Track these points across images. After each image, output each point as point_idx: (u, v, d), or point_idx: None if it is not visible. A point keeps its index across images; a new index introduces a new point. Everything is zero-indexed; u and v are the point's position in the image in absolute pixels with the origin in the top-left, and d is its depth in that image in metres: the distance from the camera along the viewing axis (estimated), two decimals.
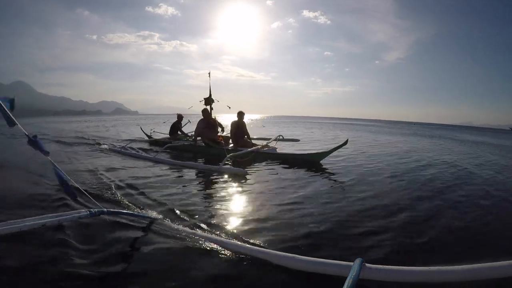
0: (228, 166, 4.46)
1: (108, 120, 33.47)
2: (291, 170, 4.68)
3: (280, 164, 5.11)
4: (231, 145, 6.13)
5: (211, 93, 6.86)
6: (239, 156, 4.96)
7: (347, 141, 5.08)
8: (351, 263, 1.32)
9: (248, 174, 4.21)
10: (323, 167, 5.00)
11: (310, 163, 5.14)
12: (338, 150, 5.30)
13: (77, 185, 2.46)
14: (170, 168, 4.72)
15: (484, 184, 4.20)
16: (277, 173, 4.47)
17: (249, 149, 5.27)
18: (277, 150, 5.66)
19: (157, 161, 5.30)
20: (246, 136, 6.19)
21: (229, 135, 6.40)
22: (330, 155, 5.35)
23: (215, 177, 4.13)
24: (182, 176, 4.22)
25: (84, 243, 1.93)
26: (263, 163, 5.18)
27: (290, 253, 1.73)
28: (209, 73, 6.94)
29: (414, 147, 9.47)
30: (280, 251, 1.77)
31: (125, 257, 1.82)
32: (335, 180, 4.12)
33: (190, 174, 4.39)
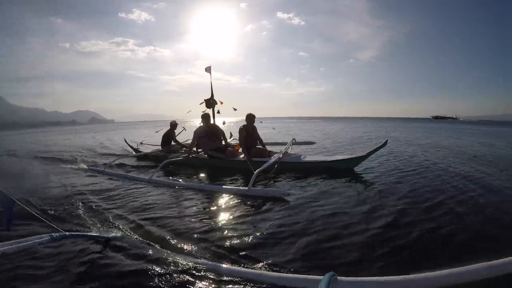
0: (261, 187, 3.45)
1: (84, 131, 31.08)
2: (321, 180, 3.87)
3: (307, 174, 4.21)
4: (241, 155, 5.06)
5: (213, 93, 5.75)
6: (263, 170, 3.90)
7: (386, 141, 4.24)
8: (322, 277, 1.21)
9: (290, 195, 3.15)
10: (359, 173, 4.23)
11: (343, 170, 4.33)
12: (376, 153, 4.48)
13: (31, 211, 2.29)
14: (173, 192, 3.63)
15: None
16: (312, 191, 3.48)
17: (272, 160, 4.30)
18: (302, 157, 4.72)
19: (152, 183, 4.09)
20: (259, 142, 5.23)
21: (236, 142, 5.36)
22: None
23: (236, 200, 3.16)
24: (191, 201, 3.21)
25: (46, 269, 1.79)
26: (287, 175, 4.22)
27: None
28: (209, 68, 5.70)
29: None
30: (249, 268, 1.72)
31: (89, 282, 1.64)
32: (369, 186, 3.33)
33: (199, 198, 3.34)
